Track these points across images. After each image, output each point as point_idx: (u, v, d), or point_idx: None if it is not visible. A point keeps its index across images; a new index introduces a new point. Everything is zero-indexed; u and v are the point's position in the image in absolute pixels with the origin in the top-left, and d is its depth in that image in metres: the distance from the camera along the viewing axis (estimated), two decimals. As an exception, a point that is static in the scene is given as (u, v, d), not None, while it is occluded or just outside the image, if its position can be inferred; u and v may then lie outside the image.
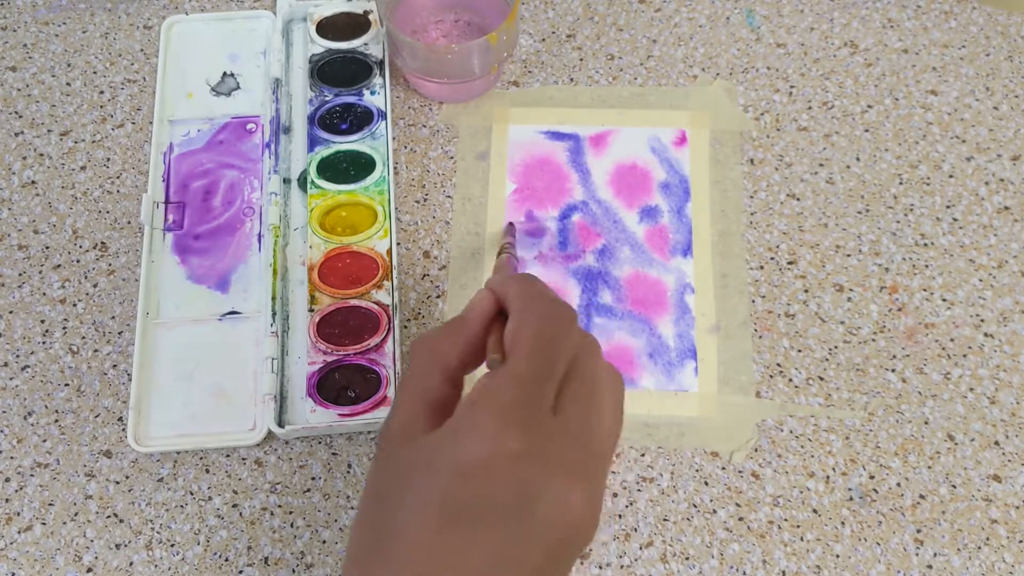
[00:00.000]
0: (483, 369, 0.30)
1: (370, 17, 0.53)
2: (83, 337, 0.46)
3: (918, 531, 0.42)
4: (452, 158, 0.51)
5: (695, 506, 0.43)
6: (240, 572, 0.41)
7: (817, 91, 0.52)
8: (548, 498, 0.25)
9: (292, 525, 0.42)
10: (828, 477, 0.43)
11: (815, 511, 0.42)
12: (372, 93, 0.51)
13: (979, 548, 0.42)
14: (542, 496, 0.25)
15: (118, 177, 0.50)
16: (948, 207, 0.49)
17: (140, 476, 0.43)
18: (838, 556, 0.42)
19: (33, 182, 0.50)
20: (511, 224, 0.48)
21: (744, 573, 0.41)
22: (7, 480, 0.43)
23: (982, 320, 0.46)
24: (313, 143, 0.50)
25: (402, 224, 0.49)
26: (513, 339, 0.28)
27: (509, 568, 0.25)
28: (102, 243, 0.49)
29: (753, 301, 0.47)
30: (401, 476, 0.26)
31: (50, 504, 0.43)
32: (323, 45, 0.52)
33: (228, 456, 0.44)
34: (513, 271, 0.40)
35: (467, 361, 0.30)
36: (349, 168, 0.49)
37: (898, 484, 0.43)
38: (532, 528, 0.25)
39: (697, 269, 0.48)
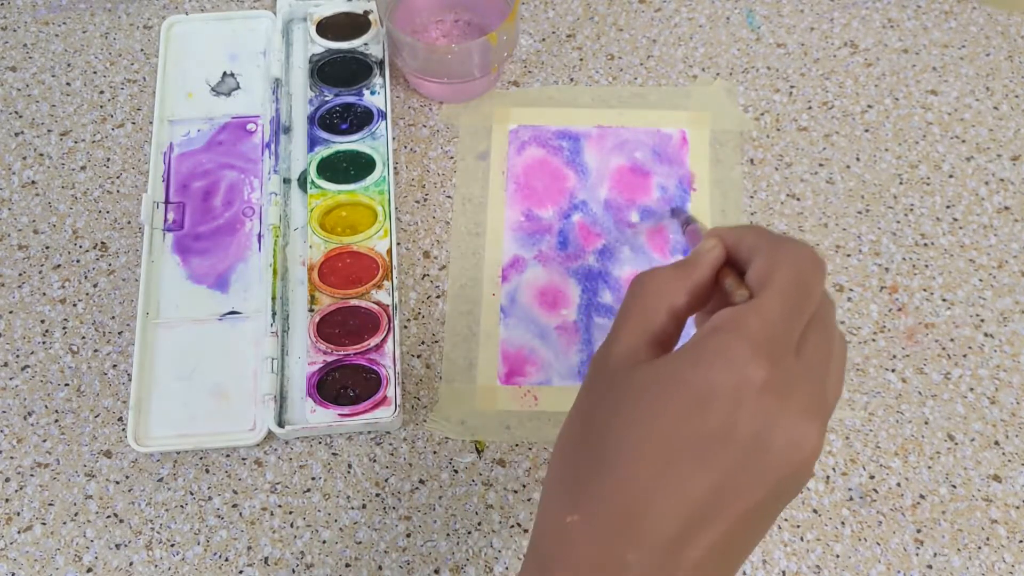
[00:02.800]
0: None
1: (370, 17, 0.53)
2: (83, 337, 0.46)
3: (918, 531, 0.42)
4: (452, 158, 0.51)
5: (695, 506, 0.42)
6: (240, 572, 0.41)
7: (817, 91, 0.52)
8: (785, 434, 0.25)
9: (292, 525, 0.42)
10: (828, 477, 0.43)
11: (815, 511, 0.42)
12: (372, 93, 0.51)
13: (979, 548, 0.42)
14: (780, 431, 0.25)
15: (118, 177, 0.50)
16: (948, 207, 0.49)
17: (140, 476, 0.43)
18: (838, 556, 0.42)
19: (33, 182, 0.50)
20: (674, 210, 0.47)
21: (744, 573, 0.41)
22: (7, 480, 0.43)
23: (982, 320, 0.46)
24: (313, 143, 0.50)
25: (402, 224, 0.49)
26: (765, 276, 0.27)
27: (734, 498, 0.25)
28: (102, 243, 0.49)
29: (753, 301, 0.47)
30: (627, 398, 0.26)
31: (50, 504, 0.43)
32: (323, 45, 0.52)
33: (228, 456, 0.44)
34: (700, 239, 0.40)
35: (694, 302, 0.29)
36: (349, 168, 0.49)
37: (898, 484, 0.43)
38: (765, 461, 0.25)
39: (697, 269, 0.48)
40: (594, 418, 0.27)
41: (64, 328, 0.46)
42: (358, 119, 0.50)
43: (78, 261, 0.48)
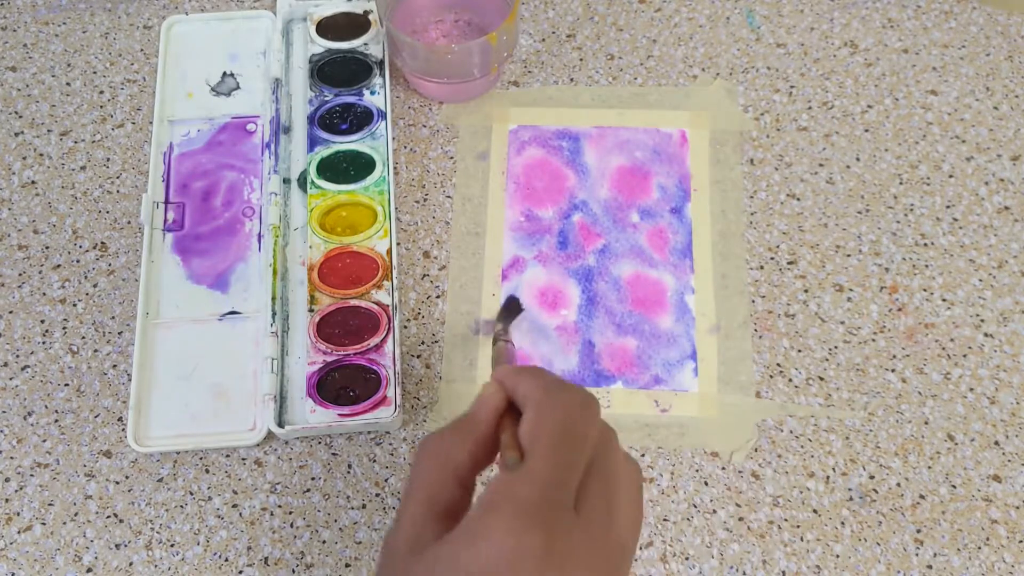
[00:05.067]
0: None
1: (370, 17, 0.53)
2: (83, 337, 0.46)
3: (918, 531, 0.42)
4: (452, 158, 0.51)
5: (695, 506, 0.43)
6: (240, 572, 0.41)
7: (817, 91, 0.52)
8: None
9: (292, 525, 0.42)
10: (828, 477, 0.43)
11: (815, 511, 0.42)
12: (372, 93, 0.51)
13: (979, 548, 0.42)
14: None
15: (118, 177, 0.50)
16: (948, 207, 0.49)
17: (140, 476, 0.43)
18: (838, 556, 0.42)
19: (33, 182, 0.50)
20: (511, 300, 0.45)
21: (744, 573, 0.41)
22: (7, 480, 0.43)
23: (982, 320, 0.46)
24: (313, 143, 0.50)
25: (402, 224, 0.49)
26: (532, 435, 0.26)
27: None
28: (102, 243, 0.49)
29: (753, 301, 0.47)
30: None
31: (50, 504, 0.43)
32: (323, 45, 0.52)
33: (228, 456, 0.44)
34: (512, 359, 0.38)
35: (479, 461, 0.28)
36: (349, 168, 0.49)
37: (898, 484, 0.43)
38: None
39: (697, 269, 0.48)
40: None
41: (64, 328, 0.46)
42: (358, 119, 0.50)
43: (78, 261, 0.48)
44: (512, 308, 0.45)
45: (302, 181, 0.49)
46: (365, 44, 0.52)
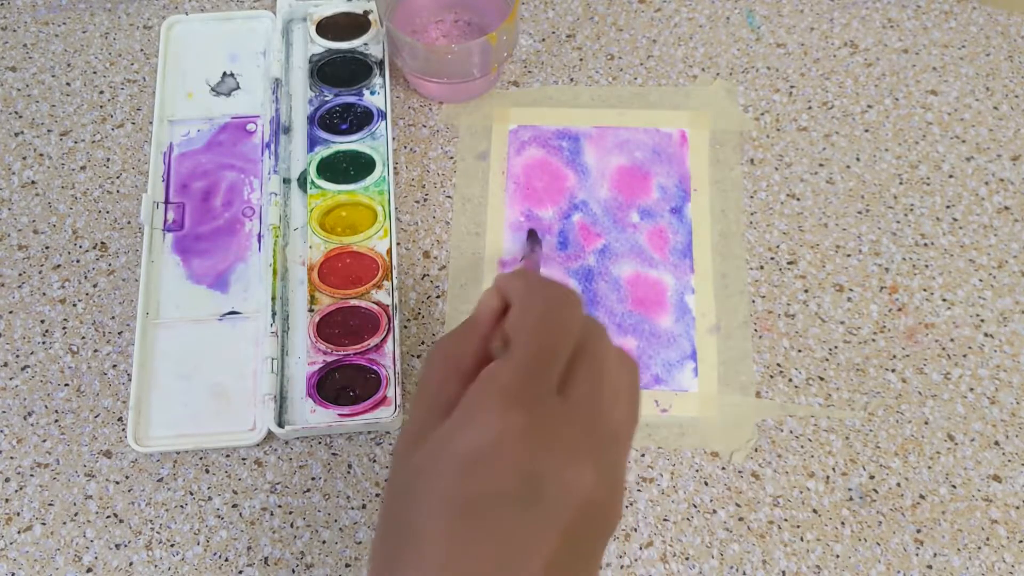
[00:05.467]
0: None
1: (370, 17, 0.53)
2: (83, 337, 0.46)
3: (918, 531, 0.42)
4: (452, 158, 0.51)
5: (695, 506, 0.43)
6: (240, 572, 0.41)
7: (817, 91, 0.52)
8: (555, 479, 0.24)
9: (292, 525, 0.42)
10: (828, 477, 0.43)
11: (815, 511, 0.42)
12: (372, 93, 0.51)
13: (979, 548, 0.42)
14: (549, 477, 0.24)
15: (118, 177, 0.50)
16: (948, 207, 0.49)
17: (140, 476, 0.43)
18: (838, 556, 0.42)
19: (33, 182, 0.50)
20: (531, 233, 0.47)
21: (744, 573, 0.41)
22: (7, 480, 0.43)
23: (982, 320, 0.46)
24: (313, 143, 0.50)
25: (402, 224, 0.49)
26: (515, 326, 0.27)
27: (524, 555, 0.24)
28: (102, 243, 0.49)
29: (753, 301, 0.47)
30: (412, 477, 0.26)
31: (50, 504, 0.43)
32: (323, 45, 0.52)
33: (228, 456, 0.44)
34: (536, 268, 0.40)
35: (480, 359, 0.29)
36: (349, 168, 0.49)
37: (898, 484, 0.43)
38: (542, 512, 0.24)
39: (697, 269, 0.48)
40: (396, 495, 0.27)
41: (64, 328, 0.46)
42: (358, 119, 0.50)
43: (78, 261, 0.48)
44: (532, 238, 0.47)
45: (302, 181, 0.49)
46: (365, 44, 0.52)
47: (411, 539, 0.25)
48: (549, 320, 0.27)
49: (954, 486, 0.43)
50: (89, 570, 0.41)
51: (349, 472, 0.43)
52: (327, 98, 0.51)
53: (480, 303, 0.30)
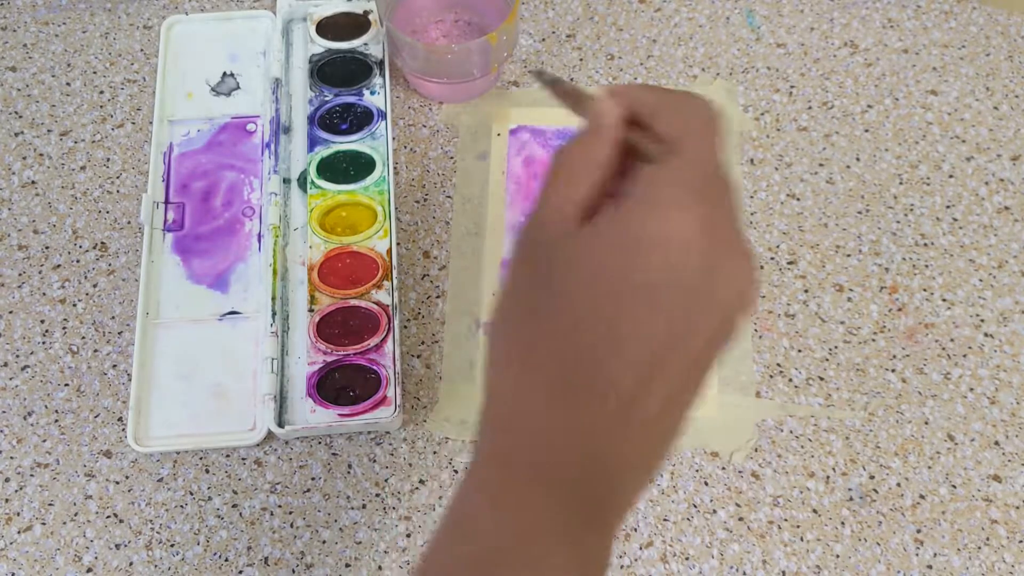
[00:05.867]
0: None
1: (370, 17, 0.53)
2: (83, 337, 0.46)
3: (918, 531, 0.42)
4: (452, 158, 0.51)
5: (695, 506, 0.43)
6: (240, 572, 0.41)
7: (817, 91, 0.52)
8: (726, 277, 0.25)
9: (292, 525, 0.42)
10: (828, 477, 0.43)
11: (815, 511, 0.42)
12: (372, 93, 0.51)
13: (979, 548, 0.42)
14: (722, 273, 0.25)
15: (118, 177, 0.50)
16: (948, 207, 0.49)
17: (140, 476, 0.43)
18: (838, 556, 0.42)
19: (33, 182, 0.50)
20: (540, 73, 0.45)
21: (744, 573, 0.41)
22: (7, 480, 0.43)
23: (982, 320, 0.46)
24: (313, 143, 0.50)
25: (402, 224, 0.49)
26: (683, 126, 0.28)
27: (684, 343, 0.25)
28: (102, 243, 0.49)
29: (753, 301, 0.47)
30: (575, 258, 0.26)
31: (50, 504, 0.43)
32: (323, 45, 0.52)
33: (228, 456, 0.44)
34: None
35: (609, 170, 0.29)
36: (349, 168, 0.49)
37: (898, 484, 0.43)
38: (711, 301, 0.25)
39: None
40: (538, 284, 0.27)
41: (64, 328, 0.46)
42: (358, 119, 0.50)
43: (78, 261, 0.48)
44: (544, 77, 0.45)
45: (302, 181, 0.49)
46: (365, 44, 0.52)
47: (568, 320, 0.26)
48: (712, 124, 0.28)
49: (954, 486, 0.43)
50: (89, 570, 0.41)
51: (349, 472, 0.43)
52: (327, 98, 0.51)
53: (601, 111, 0.30)
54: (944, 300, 0.47)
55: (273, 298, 0.45)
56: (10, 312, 0.47)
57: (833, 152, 0.51)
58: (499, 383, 0.28)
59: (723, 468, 0.43)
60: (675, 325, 0.25)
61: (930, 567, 0.41)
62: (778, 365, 0.45)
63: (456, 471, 0.43)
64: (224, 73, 0.53)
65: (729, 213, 0.27)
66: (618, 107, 0.30)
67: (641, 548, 0.42)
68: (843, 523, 0.42)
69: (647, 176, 0.27)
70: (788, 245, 0.48)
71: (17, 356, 0.46)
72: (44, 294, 0.47)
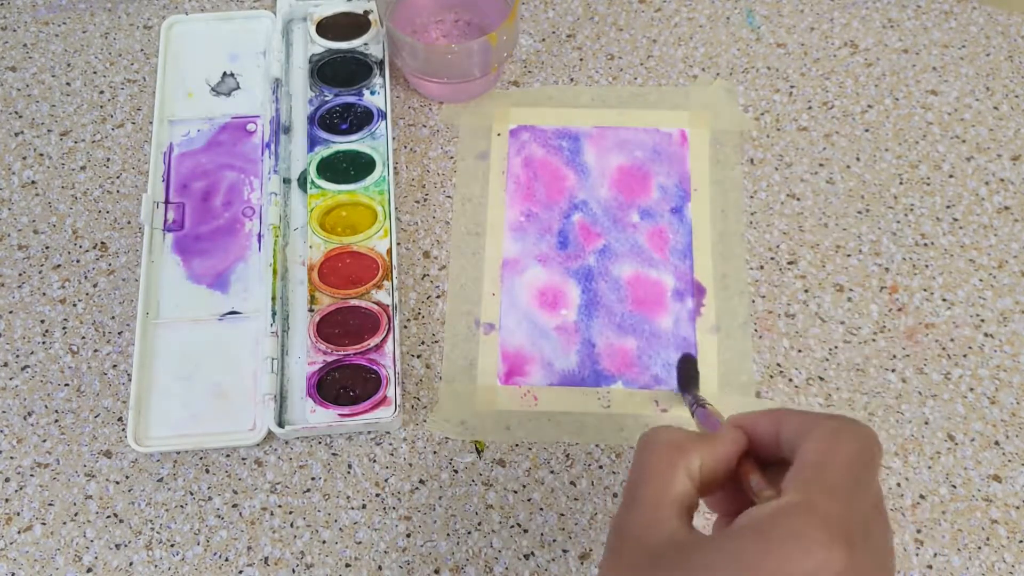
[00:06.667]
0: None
1: (370, 17, 0.53)
2: (83, 337, 0.46)
3: (918, 531, 0.42)
4: (452, 158, 0.51)
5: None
6: (240, 572, 0.41)
7: (817, 91, 0.52)
8: None
9: (292, 525, 0.42)
10: (828, 477, 0.43)
11: (815, 511, 0.42)
12: (372, 93, 0.51)
13: (979, 548, 0.42)
14: None
15: (118, 177, 0.50)
16: (948, 207, 0.49)
17: (140, 476, 0.43)
18: (838, 556, 0.41)
19: (33, 182, 0.50)
20: (685, 363, 0.45)
21: (744, 573, 0.41)
22: (7, 480, 0.43)
23: (982, 320, 0.46)
24: (313, 143, 0.50)
25: (402, 224, 0.49)
26: (826, 453, 0.25)
27: None
28: (102, 243, 0.49)
29: (753, 301, 0.47)
30: (680, 563, 0.25)
31: (50, 504, 0.43)
32: (323, 45, 0.52)
33: (228, 456, 0.44)
34: (719, 420, 0.36)
35: (708, 476, 0.27)
36: (349, 168, 0.49)
37: (898, 484, 0.43)
38: None
39: (697, 269, 0.48)
40: None
41: (64, 328, 0.46)
42: (358, 119, 0.50)
43: (78, 261, 0.48)
44: (691, 372, 0.44)
45: (302, 181, 0.49)
46: (365, 44, 0.52)
47: None
48: (866, 459, 0.26)
49: (954, 486, 0.43)
50: (89, 570, 0.41)
51: (349, 472, 0.43)
52: (327, 98, 0.51)
53: (721, 437, 0.28)
54: (944, 300, 0.47)
55: (273, 298, 0.45)
56: (10, 312, 0.47)
57: (833, 152, 0.51)
58: None
59: (723, 468, 0.43)
60: None
61: (930, 567, 0.41)
62: (778, 365, 0.45)
63: (456, 471, 0.43)
64: (224, 73, 0.53)
65: (875, 559, 0.25)
66: (741, 434, 0.28)
67: (641, 548, 0.42)
68: (843, 523, 0.42)
69: (781, 505, 0.24)
70: (788, 245, 0.48)
71: (17, 356, 0.46)
72: (44, 294, 0.47)
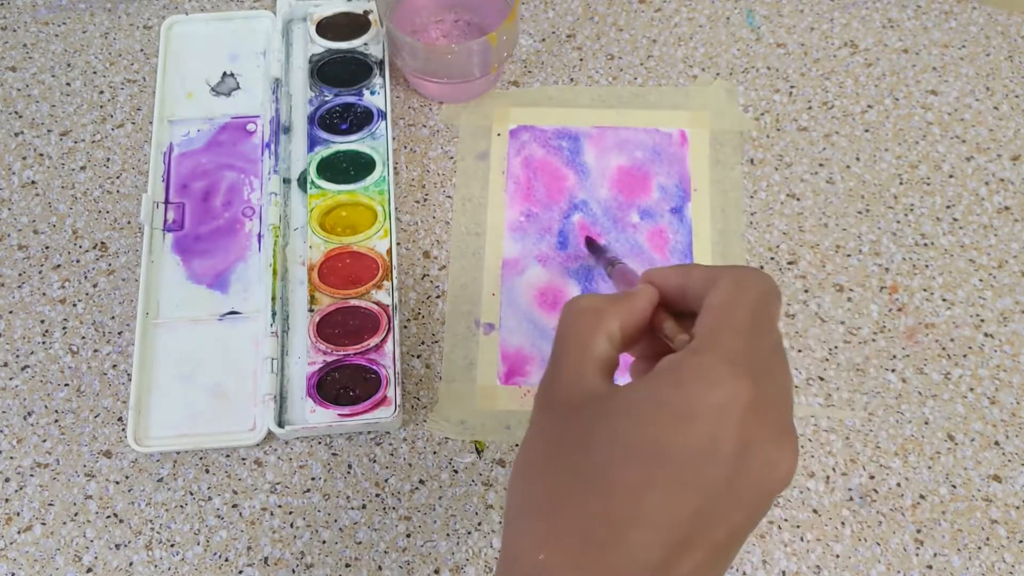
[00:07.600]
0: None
1: (370, 17, 0.53)
2: (83, 337, 0.46)
3: (918, 531, 0.42)
4: (452, 158, 0.51)
5: (695, 506, 0.42)
6: (240, 572, 0.41)
7: (817, 91, 0.52)
8: (764, 455, 0.24)
9: (292, 525, 0.42)
10: (828, 477, 0.43)
11: (815, 511, 0.42)
12: (372, 93, 0.51)
13: (979, 548, 0.42)
14: (760, 452, 0.24)
15: (118, 177, 0.50)
16: (948, 207, 0.49)
17: (140, 476, 0.43)
18: (838, 556, 0.42)
19: (33, 182, 0.50)
20: (588, 240, 0.47)
21: (744, 573, 0.41)
22: (7, 480, 0.43)
23: (982, 320, 0.46)
24: (313, 143, 0.50)
25: (402, 224, 0.49)
26: (732, 297, 0.27)
27: (715, 521, 0.24)
28: (102, 243, 0.49)
29: (753, 301, 0.47)
30: (600, 423, 0.25)
31: (50, 504, 0.43)
32: (323, 45, 0.52)
33: (228, 456, 0.44)
34: (634, 279, 0.38)
35: (627, 336, 0.29)
36: (349, 168, 0.49)
37: (898, 484, 0.43)
38: (746, 482, 0.24)
39: (697, 269, 0.47)
40: (560, 449, 0.26)
41: (64, 328, 0.46)
42: (358, 119, 0.50)
43: (78, 261, 0.48)
44: (595, 244, 0.46)
45: (302, 181, 0.49)
46: (365, 44, 0.52)
47: (591, 488, 0.25)
48: (766, 301, 0.27)
49: (954, 486, 0.43)
50: (89, 570, 0.41)
51: (349, 472, 0.43)
52: (327, 98, 0.51)
53: (636, 290, 0.30)
54: (944, 300, 0.47)
55: (273, 298, 0.45)
56: (10, 312, 0.47)
57: (833, 152, 0.51)
58: (515, 558, 0.26)
59: (723, 468, 0.43)
60: (702, 505, 0.24)
61: (930, 567, 0.41)
62: (778, 365, 0.45)
63: (456, 471, 0.43)
64: (224, 73, 0.53)
65: (778, 393, 0.26)
66: (654, 290, 0.29)
67: (641, 548, 0.42)
68: (843, 523, 0.42)
69: (694, 346, 0.25)
70: (788, 245, 0.48)
71: (17, 356, 0.46)
72: (44, 294, 0.47)
